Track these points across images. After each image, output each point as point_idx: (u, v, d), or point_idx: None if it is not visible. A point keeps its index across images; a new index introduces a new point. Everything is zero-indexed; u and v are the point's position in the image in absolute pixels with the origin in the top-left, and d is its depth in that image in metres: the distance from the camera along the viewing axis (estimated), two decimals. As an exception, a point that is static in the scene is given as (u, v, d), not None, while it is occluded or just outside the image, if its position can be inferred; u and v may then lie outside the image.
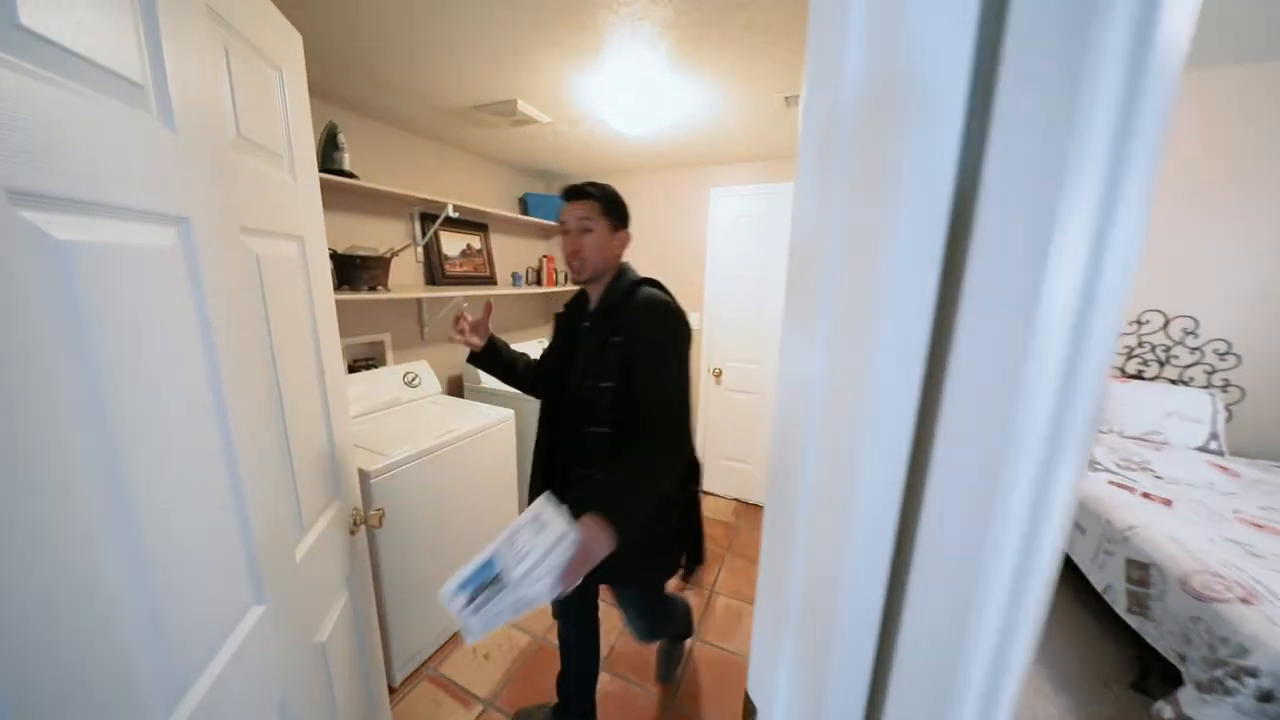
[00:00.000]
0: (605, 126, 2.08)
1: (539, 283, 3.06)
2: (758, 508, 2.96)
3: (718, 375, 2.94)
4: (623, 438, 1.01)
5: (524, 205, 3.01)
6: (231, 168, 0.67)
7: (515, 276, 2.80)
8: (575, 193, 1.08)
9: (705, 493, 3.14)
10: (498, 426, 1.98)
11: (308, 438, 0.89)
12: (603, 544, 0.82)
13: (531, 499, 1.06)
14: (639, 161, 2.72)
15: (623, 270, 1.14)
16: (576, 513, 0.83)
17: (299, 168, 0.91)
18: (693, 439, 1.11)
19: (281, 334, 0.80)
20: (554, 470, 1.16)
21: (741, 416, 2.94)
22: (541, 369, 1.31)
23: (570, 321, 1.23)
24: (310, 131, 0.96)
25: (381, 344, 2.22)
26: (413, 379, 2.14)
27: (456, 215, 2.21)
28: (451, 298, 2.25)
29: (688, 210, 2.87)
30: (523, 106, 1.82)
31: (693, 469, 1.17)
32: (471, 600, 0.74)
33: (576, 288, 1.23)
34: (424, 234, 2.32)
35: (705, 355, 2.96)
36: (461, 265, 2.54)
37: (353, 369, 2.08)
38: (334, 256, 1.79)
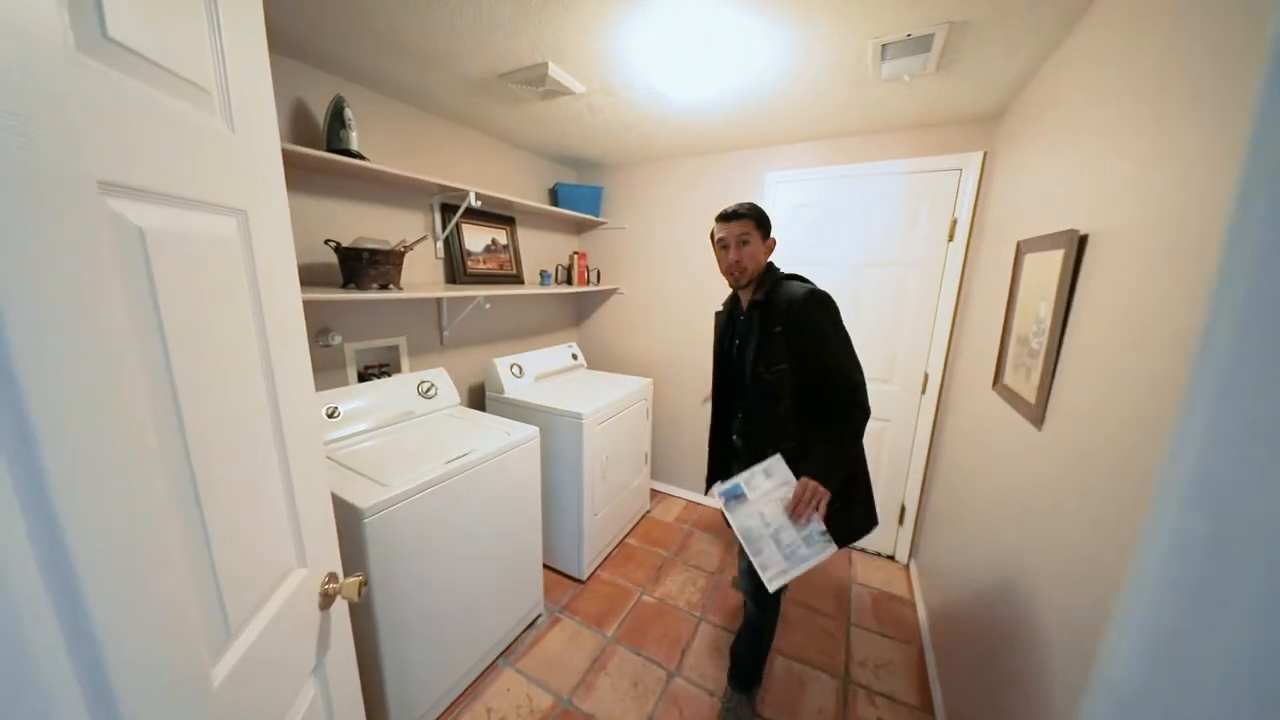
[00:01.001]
0: (649, 97, 1.78)
1: (569, 281, 2.79)
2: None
3: (768, 387, 2.59)
4: (805, 411, 1.21)
5: (554, 196, 2.75)
6: (73, 79, 0.40)
7: (544, 275, 2.54)
8: (731, 215, 1.29)
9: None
10: (522, 447, 1.71)
11: (244, 495, 0.63)
12: (818, 489, 1.13)
13: (710, 480, 1.50)
14: (682, 145, 2.41)
15: (770, 268, 1.36)
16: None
17: (243, 116, 0.64)
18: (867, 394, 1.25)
19: (192, 347, 0.53)
20: (734, 452, 1.45)
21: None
22: (720, 371, 1.51)
23: (729, 318, 1.47)
24: (266, 68, 0.70)
25: (396, 349, 1.99)
26: (429, 389, 1.90)
27: (479, 205, 1.96)
28: (474, 297, 2.00)
29: (738, 198, 2.52)
30: (554, 72, 1.54)
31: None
32: (725, 503, 1.22)
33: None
34: (444, 227, 2.08)
35: (754, 364, 2.61)
36: (486, 262, 2.30)
37: (363, 377, 1.86)
38: (338, 250, 1.56)
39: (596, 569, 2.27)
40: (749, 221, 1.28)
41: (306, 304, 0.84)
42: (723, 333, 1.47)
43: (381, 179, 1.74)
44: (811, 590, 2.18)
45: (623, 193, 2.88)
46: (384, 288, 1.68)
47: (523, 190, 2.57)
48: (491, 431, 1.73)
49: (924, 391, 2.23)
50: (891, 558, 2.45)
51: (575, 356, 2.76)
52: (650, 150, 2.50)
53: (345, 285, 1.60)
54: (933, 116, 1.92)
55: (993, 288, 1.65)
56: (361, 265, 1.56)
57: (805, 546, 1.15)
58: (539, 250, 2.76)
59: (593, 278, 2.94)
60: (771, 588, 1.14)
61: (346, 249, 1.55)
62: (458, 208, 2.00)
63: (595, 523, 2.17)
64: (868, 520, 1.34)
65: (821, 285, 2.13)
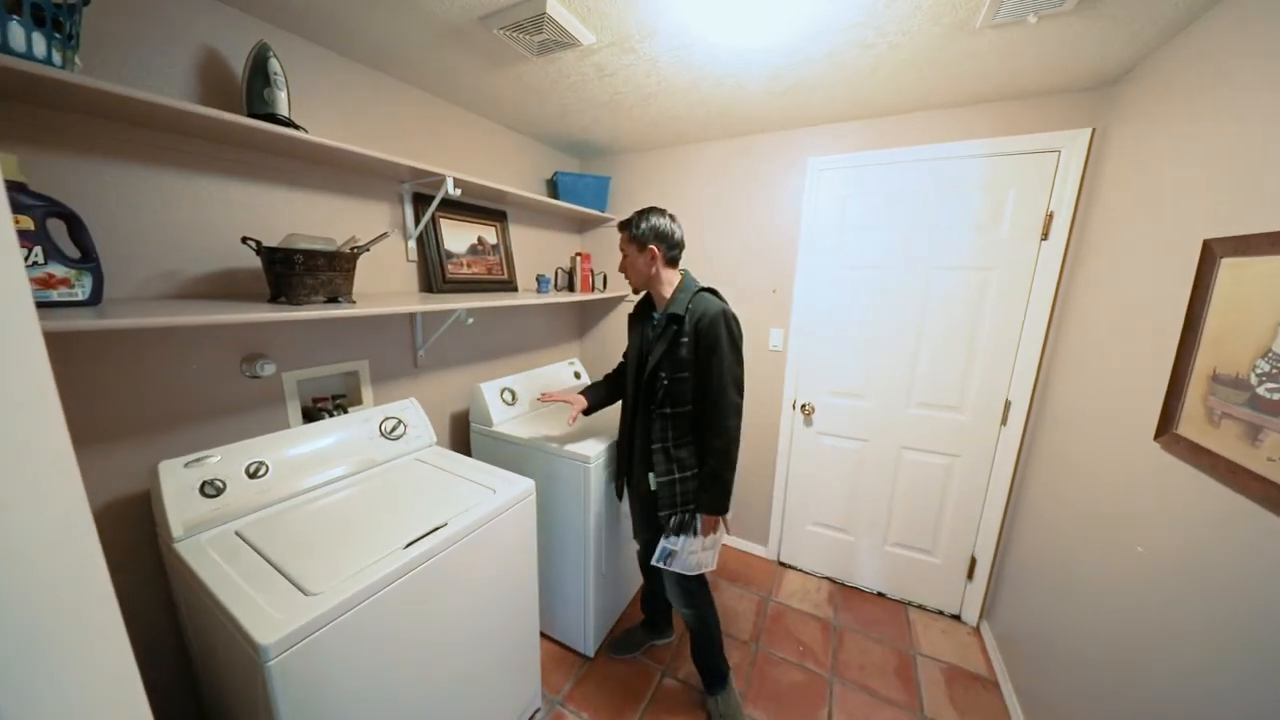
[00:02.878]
0: (674, 55, 1.38)
1: (571, 288, 2.39)
2: (863, 595, 2.19)
3: (806, 412, 2.19)
4: (698, 413, 1.35)
5: (553, 188, 2.34)
6: None
7: (541, 280, 2.13)
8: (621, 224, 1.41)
9: (785, 565, 2.39)
10: (515, 508, 1.31)
11: None
12: (718, 521, 1.39)
13: (620, 474, 1.63)
14: (708, 123, 2.01)
15: (686, 280, 1.42)
16: (666, 478, 1.37)
17: None
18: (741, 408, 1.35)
19: None
20: (629, 446, 1.52)
21: (839, 469, 2.18)
22: (625, 367, 1.60)
23: (639, 318, 1.51)
24: None
25: (355, 376, 1.58)
26: (394, 427, 1.49)
27: (458, 195, 1.55)
28: (454, 310, 1.60)
29: (772, 190, 2.13)
30: (555, 10, 1.14)
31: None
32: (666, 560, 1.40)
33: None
34: (417, 221, 1.67)
35: (788, 383, 2.22)
36: (470, 265, 1.89)
37: (310, 414, 1.45)
38: (260, 252, 1.15)
39: (605, 639, 1.86)
40: (622, 234, 1.40)
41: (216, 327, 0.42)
42: (631, 330, 1.54)
43: (328, 158, 1.33)
44: (869, 665, 1.78)
45: (634, 184, 2.48)
46: (333, 300, 1.27)
47: (516, 180, 2.16)
48: (475, 487, 1.32)
49: (1004, 423, 1.84)
50: (956, 617, 2.05)
51: (578, 375, 2.36)
52: (669, 131, 2.10)
53: (275, 299, 1.19)
54: (1028, 84, 1.52)
55: (1133, 301, 1.26)
56: (295, 272, 1.15)
57: (704, 550, 1.41)
58: (535, 251, 2.35)
59: (598, 283, 2.53)
60: (693, 570, 1.41)
61: (273, 250, 1.14)
62: (433, 198, 1.60)
63: (604, 586, 1.77)
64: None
65: (874, 291, 1.93)
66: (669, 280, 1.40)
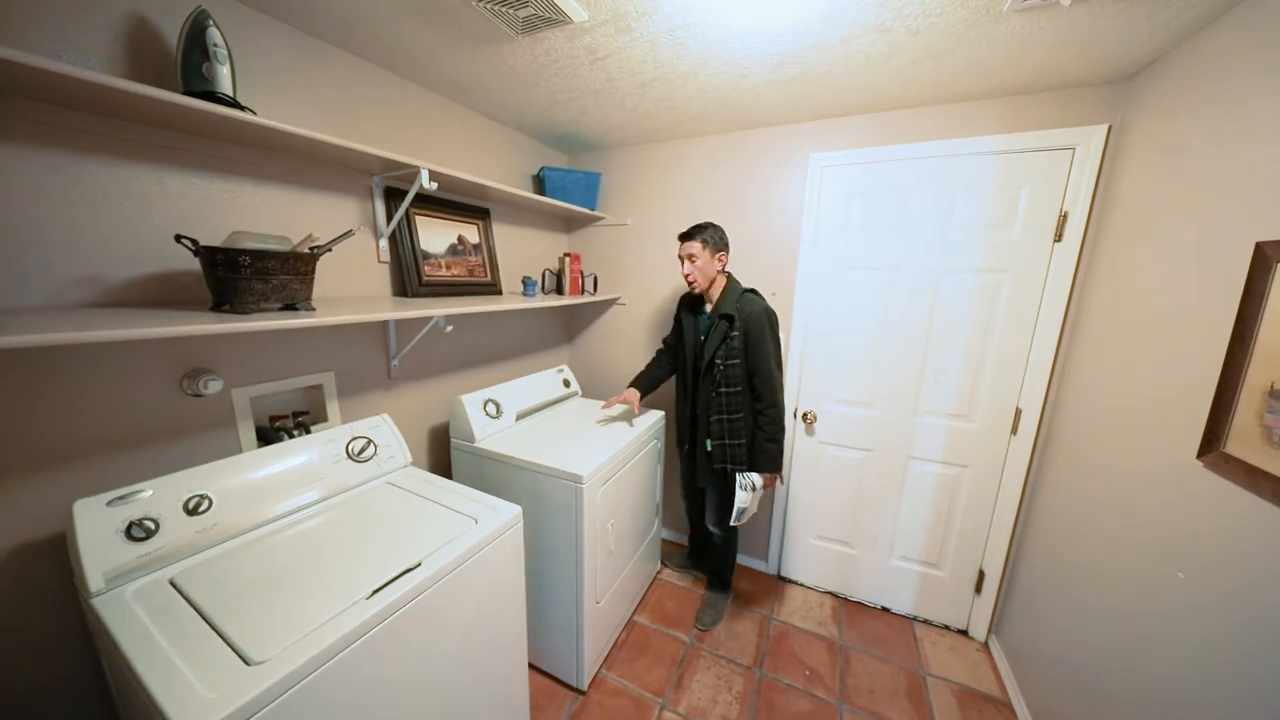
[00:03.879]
0: (674, 36, 1.26)
1: (559, 290, 2.25)
2: (868, 610, 2.10)
3: (808, 420, 2.09)
4: (747, 392, 1.69)
5: (540, 184, 2.20)
6: None
7: (527, 282, 1.99)
8: (685, 235, 1.71)
9: (786, 580, 2.29)
10: (499, 540, 1.17)
11: None
12: (773, 477, 1.75)
13: (680, 436, 1.98)
14: (706, 115, 1.89)
15: (731, 282, 1.76)
16: (719, 442, 1.71)
17: None
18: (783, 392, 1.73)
19: None
20: (693, 417, 1.84)
21: (842, 479, 2.09)
22: (675, 351, 1.98)
23: (690, 312, 1.87)
24: None
25: (319, 390, 1.42)
26: (363, 447, 1.33)
27: (434, 188, 1.40)
28: (431, 316, 1.45)
29: (772, 187, 2.03)
30: (543, -21, 1.00)
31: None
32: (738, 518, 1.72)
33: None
34: (390, 217, 1.52)
35: (790, 390, 2.11)
36: (450, 267, 1.74)
37: (266, 435, 1.28)
38: (198, 253, 0.99)
39: (599, 669, 1.73)
40: (694, 242, 1.68)
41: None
42: (690, 325, 1.85)
43: (283, 145, 1.17)
44: (879, 690, 1.69)
45: (625, 181, 2.35)
46: (290, 308, 1.12)
47: (500, 174, 2.02)
48: (454, 516, 1.18)
49: (1015, 432, 1.76)
50: (964, 632, 1.98)
51: (568, 383, 2.22)
52: (663, 124, 1.98)
53: (218, 306, 1.03)
54: (1045, 77, 1.44)
55: (1166, 309, 1.18)
56: (241, 276, 1.00)
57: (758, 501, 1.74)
58: (521, 251, 2.20)
59: (588, 285, 2.40)
60: (744, 521, 1.74)
61: (214, 251, 0.98)
62: (406, 193, 1.44)
63: (598, 613, 1.64)
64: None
65: (879, 294, 1.93)
66: (719, 283, 1.74)
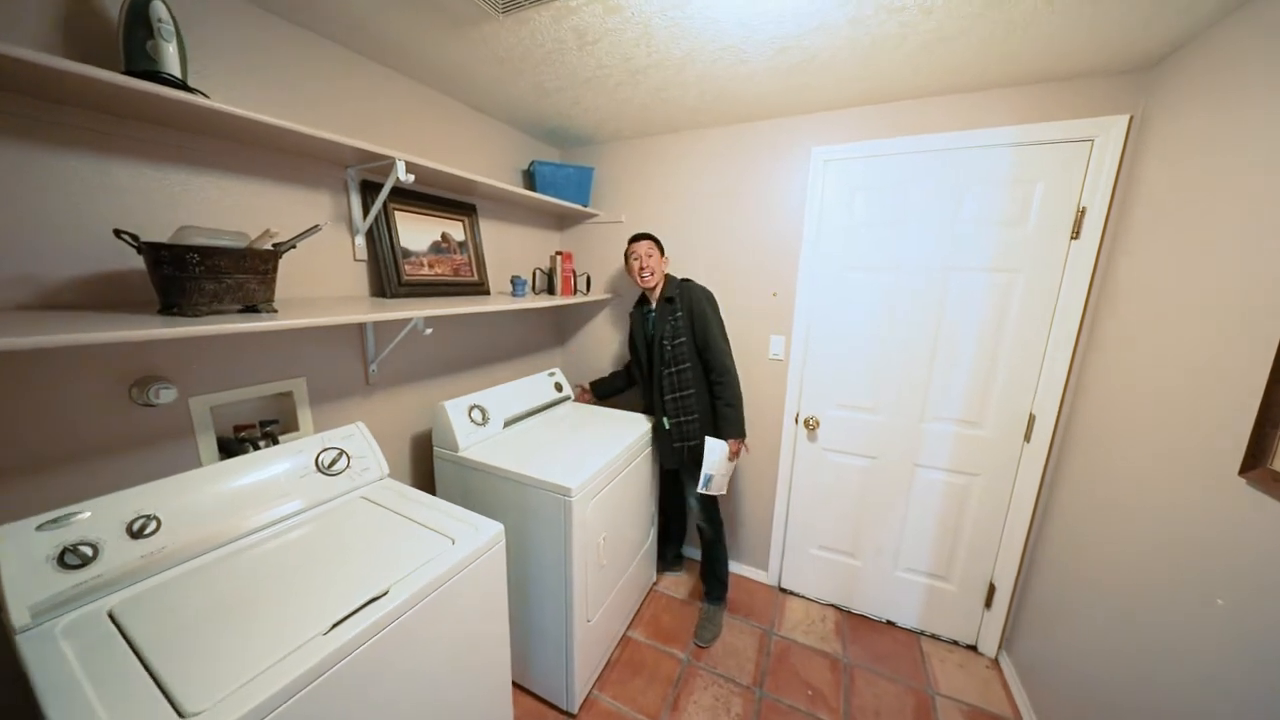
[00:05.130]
0: (669, 17, 1.17)
1: (551, 290, 2.16)
2: (872, 624, 2.01)
3: (810, 426, 2.01)
4: (696, 368, 1.80)
5: (530, 179, 2.11)
6: None
7: (516, 282, 1.90)
8: (642, 236, 1.88)
9: (787, 591, 2.20)
10: (480, 561, 1.08)
11: None
12: (739, 442, 1.81)
13: (650, 410, 1.98)
14: (703, 107, 1.81)
15: (669, 276, 1.92)
16: (675, 420, 1.81)
17: None
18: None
19: None
20: (654, 396, 1.90)
21: (845, 488, 2.00)
22: (633, 358, 2.08)
23: (639, 317, 1.97)
24: None
25: (289, 397, 1.33)
26: (334, 460, 1.24)
27: (411, 180, 1.31)
28: (410, 319, 1.36)
29: (772, 183, 1.94)
30: (522, -52, 0.91)
31: None
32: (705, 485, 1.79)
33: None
34: (366, 212, 1.42)
35: (790, 395, 2.03)
36: (433, 265, 1.65)
37: (229, 446, 1.19)
38: (141, 250, 0.90)
39: (591, 690, 1.64)
40: (652, 243, 1.86)
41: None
42: (639, 325, 1.96)
43: (242, 133, 1.08)
44: (886, 711, 1.60)
45: (619, 176, 2.26)
46: (251, 309, 1.03)
47: (487, 169, 1.92)
48: (430, 534, 1.09)
49: (1028, 439, 1.68)
50: (973, 648, 1.89)
51: (559, 387, 2.13)
52: (659, 116, 1.89)
53: (167, 308, 0.94)
54: (1064, 64, 1.36)
55: (1200, 312, 1.09)
56: (190, 275, 0.91)
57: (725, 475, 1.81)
58: (510, 249, 2.11)
59: (580, 285, 2.31)
60: (720, 491, 1.82)
61: (159, 248, 0.89)
62: (384, 186, 1.35)
63: (589, 631, 1.55)
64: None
65: (885, 294, 1.85)
66: (662, 280, 1.89)
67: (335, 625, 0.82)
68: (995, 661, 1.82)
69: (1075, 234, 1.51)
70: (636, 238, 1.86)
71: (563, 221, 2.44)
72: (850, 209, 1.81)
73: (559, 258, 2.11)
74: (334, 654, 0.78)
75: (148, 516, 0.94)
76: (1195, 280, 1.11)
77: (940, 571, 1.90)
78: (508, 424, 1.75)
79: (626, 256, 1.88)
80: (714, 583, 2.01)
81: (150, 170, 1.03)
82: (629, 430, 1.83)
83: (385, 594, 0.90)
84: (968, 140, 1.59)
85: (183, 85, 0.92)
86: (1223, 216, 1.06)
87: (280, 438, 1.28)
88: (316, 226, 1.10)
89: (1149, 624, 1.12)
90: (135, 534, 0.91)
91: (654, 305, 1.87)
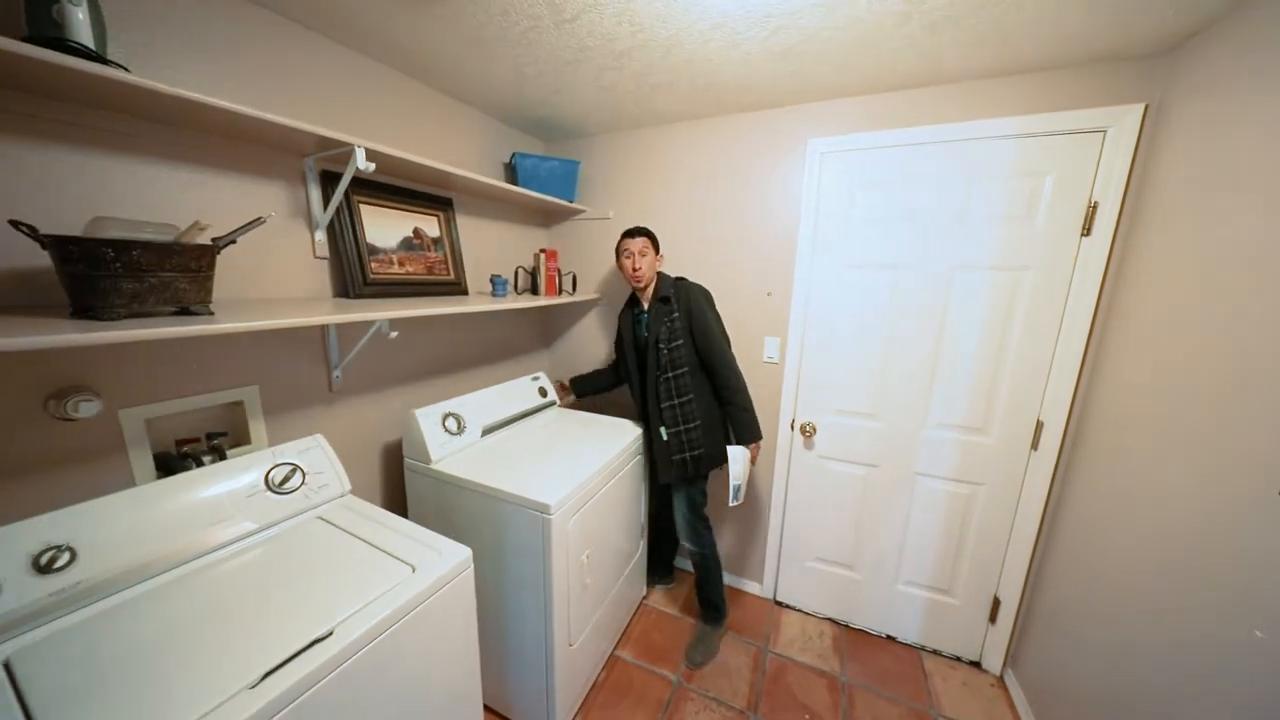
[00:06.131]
0: (656, -9, 1.06)
1: (534, 290, 2.05)
2: (871, 639, 1.93)
3: (807, 433, 1.91)
4: (696, 373, 1.67)
5: (512, 173, 2.00)
6: None
7: (497, 281, 1.79)
8: (635, 232, 1.72)
9: (783, 605, 2.11)
10: (443, 591, 0.97)
11: None
12: (757, 445, 1.72)
13: (642, 420, 1.85)
14: (692, 96, 1.71)
15: (662, 274, 1.77)
16: (674, 429, 1.66)
17: None
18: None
19: None
20: (644, 413, 1.80)
21: (844, 497, 1.91)
22: (620, 361, 1.94)
23: (629, 318, 1.84)
24: None
25: (240, 408, 1.21)
26: (287, 477, 1.13)
27: (372, 169, 1.19)
28: (374, 321, 1.25)
29: (766, 177, 1.84)
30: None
31: None
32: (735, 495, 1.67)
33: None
34: (326, 205, 1.31)
35: (786, 400, 1.93)
36: (404, 263, 1.54)
37: (169, 463, 1.08)
38: (45, 244, 0.78)
39: (575, 717, 1.54)
40: (646, 239, 1.71)
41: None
42: (628, 328, 1.83)
43: (173, 114, 0.96)
44: (887, 737, 1.51)
45: (608, 171, 2.15)
46: (185, 312, 0.92)
47: (464, 160, 1.81)
48: (388, 561, 0.98)
49: (1035, 447, 1.59)
50: (976, 664, 1.81)
51: (544, 392, 2.02)
52: (646, 107, 1.78)
53: (81, 311, 0.82)
54: (1076, 49, 1.27)
55: (1231, 316, 1.00)
56: (105, 273, 0.79)
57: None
58: (491, 247, 2.00)
59: (566, 284, 2.21)
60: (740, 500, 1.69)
61: (66, 241, 0.78)
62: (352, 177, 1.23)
63: (571, 655, 1.45)
64: (719, 451, 1.72)
65: (886, 294, 1.75)
66: (653, 279, 1.75)
67: (266, 676, 0.71)
68: (1000, 680, 1.74)
69: (1086, 230, 1.43)
70: (629, 233, 1.71)
71: (548, 218, 2.34)
72: (849, 204, 1.72)
73: (543, 256, 2.00)
74: (260, 713, 0.67)
75: (59, 548, 0.82)
76: (1223, 280, 1.03)
77: (942, 585, 1.81)
78: (486, 432, 1.65)
79: (618, 253, 1.73)
80: (707, 606, 1.87)
81: (69, 156, 0.91)
82: (617, 438, 1.73)
83: (329, 635, 0.79)
84: (973, 131, 1.50)
85: (96, 56, 0.81)
86: (1250, 211, 0.98)
87: (229, 452, 1.17)
88: (260, 219, 0.99)
89: (1173, 650, 1.03)
90: (43, 568, 0.80)
91: (647, 306, 1.75)
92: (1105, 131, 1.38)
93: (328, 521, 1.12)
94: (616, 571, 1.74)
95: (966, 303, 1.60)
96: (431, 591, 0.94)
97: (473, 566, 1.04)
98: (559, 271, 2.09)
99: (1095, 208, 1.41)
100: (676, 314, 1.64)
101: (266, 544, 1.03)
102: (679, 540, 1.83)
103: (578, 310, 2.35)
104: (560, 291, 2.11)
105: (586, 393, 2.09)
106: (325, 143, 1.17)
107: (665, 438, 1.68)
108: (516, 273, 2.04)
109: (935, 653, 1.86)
